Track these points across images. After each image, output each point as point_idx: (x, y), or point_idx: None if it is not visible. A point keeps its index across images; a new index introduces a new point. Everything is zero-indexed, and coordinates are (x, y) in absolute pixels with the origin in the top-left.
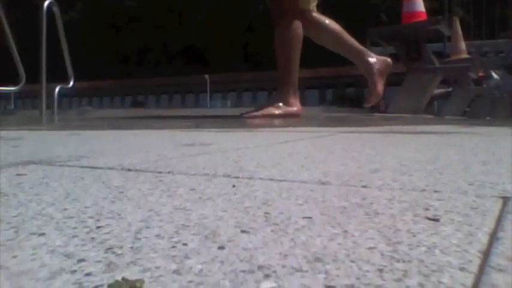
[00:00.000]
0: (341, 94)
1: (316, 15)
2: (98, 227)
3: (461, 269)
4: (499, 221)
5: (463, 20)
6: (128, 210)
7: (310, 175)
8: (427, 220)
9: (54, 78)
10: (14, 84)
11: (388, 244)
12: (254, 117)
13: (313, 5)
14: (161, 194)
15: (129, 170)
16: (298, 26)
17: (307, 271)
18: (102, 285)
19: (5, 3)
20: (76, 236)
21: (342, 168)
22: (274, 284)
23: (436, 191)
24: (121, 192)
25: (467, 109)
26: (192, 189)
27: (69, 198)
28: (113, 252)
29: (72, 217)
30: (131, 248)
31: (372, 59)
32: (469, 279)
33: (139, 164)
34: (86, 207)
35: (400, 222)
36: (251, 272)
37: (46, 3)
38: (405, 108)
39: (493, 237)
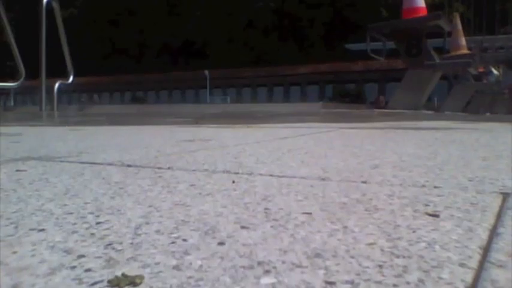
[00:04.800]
0: (341, 90)
1: None
2: (98, 223)
3: (461, 265)
4: (499, 216)
5: (463, 15)
6: (128, 206)
7: (310, 171)
8: (427, 216)
9: (54, 74)
10: (14, 80)
11: (388, 240)
12: None
13: None
14: (161, 189)
15: (129, 165)
16: None
17: (307, 267)
18: (102, 281)
19: None
20: (76, 232)
21: (342, 164)
22: (274, 280)
23: (436, 187)
24: (121, 188)
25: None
26: (191, 185)
27: (68, 194)
28: (113, 248)
29: (71, 213)
30: (131, 243)
31: None
32: (469, 275)
33: (139, 160)
34: (85, 203)
35: (400, 218)
36: (251, 267)
37: None
38: (405, 104)
39: (493, 233)
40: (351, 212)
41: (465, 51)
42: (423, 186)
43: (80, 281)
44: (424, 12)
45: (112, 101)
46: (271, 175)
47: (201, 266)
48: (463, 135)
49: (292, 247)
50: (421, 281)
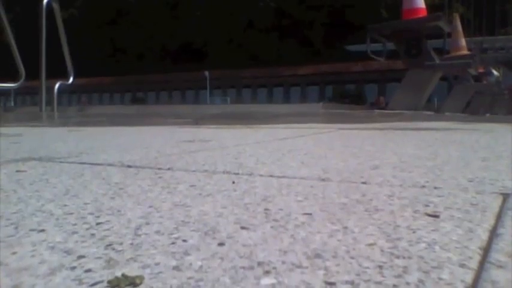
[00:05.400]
0: (341, 91)
1: None
2: (98, 224)
3: (461, 266)
4: (499, 217)
5: (463, 16)
6: (128, 206)
7: (310, 171)
8: (427, 216)
9: (54, 74)
10: (14, 80)
11: (388, 240)
12: None
13: None
14: (161, 190)
15: (129, 166)
16: None
17: (307, 267)
18: (102, 282)
19: None
20: (76, 233)
21: (342, 165)
22: (274, 280)
23: (436, 188)
24: (121, 189)
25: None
26: (192, 186)
27: (69, 195)
28: (113, 249)
29: (72, 213)
30: (131, 244)
31: None
32: (469, 276)
33: (139, 161)
34: (85, 204)
35: (400, 219)
36: (251, 268)
37: (45, 0)
38: (405, 104)
39: (493, 233)
40: (351, 212)
41: (465, 52)
42: (423, 186)
43: (80, 282)
44: (424, 13)
45: (112, 101)
46: (271, 176)
47: (201, 266)
48: (463, 136)
49: (292, 248)
50: (421, 281)
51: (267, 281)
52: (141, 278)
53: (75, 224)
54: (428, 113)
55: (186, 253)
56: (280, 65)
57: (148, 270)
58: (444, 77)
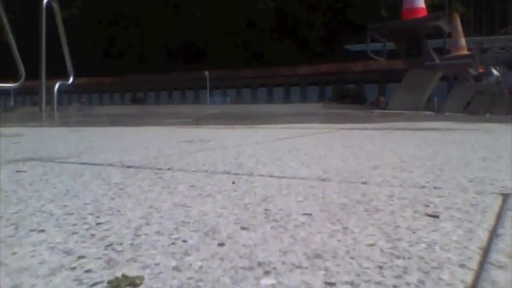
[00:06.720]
0: (341, 91)
1: None
2: (98, 224)
3: (461, 266)
4: (499, 217)
5: (463, 16)
6: (128, 206)
7: (310, 171)
8: (427, 217)
9: (54, 74)
10: (14, 80)
11: (388, 241)
12: None
13: None
14: (161, 190)
15: (129, 166)
16: None
17: (307, 268)
18: (102, 282)
19: None
20: (76, 233)
21: (342, 165)
22: (274, 281)
23: (436, 188)
24: (121, 189)
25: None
26: (192, 186)
27: (69, 195)
28: (113, 249)
29: (72, 214)
30: (131, 244)
31: None
32: (469, 276)
33: (139, 161)
34: (85, 204)
35: (400, 219)
36: (251, 268)
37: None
38: (405, 104)
39: (493, 233)
40: (351, 212)
41: (465, 51)
42: (423, 187)
43: (80, 282)
44: (424, 13)
45: (112, 101)
46: (271, 176)
47: (201, 267)
48: (463, 136)
49: (292, 248)
50: (421, 281)
51: (267, 281)
52: (141, 278)
53: (75, 225)
54: (428, 113)
55: (186, 253)
56: (280, 65)
57: (148, 271)
58: (444, 77)
